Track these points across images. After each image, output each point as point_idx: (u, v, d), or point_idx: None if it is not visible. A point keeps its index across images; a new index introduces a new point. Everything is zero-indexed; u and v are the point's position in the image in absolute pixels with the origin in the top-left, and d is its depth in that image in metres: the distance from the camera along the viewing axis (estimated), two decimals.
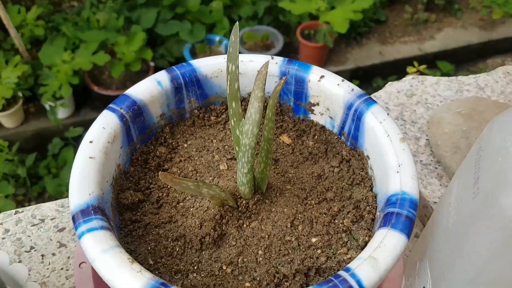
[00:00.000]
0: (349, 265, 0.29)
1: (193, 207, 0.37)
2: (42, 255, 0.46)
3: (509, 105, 0.52)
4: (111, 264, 0.28)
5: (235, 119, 0.35)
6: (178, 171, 0.39)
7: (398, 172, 0.34)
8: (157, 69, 1.79)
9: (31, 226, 0.48)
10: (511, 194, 0.22)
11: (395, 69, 2.02)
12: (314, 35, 1.91)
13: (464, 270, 0.29)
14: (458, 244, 0.30)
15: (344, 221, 0.36)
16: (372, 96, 0.60)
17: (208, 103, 0.43)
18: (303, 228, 0.36)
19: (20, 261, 0.45)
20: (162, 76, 0.39)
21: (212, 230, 0.35)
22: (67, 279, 0.45)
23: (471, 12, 2.35)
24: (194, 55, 1.79)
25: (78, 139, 1.65)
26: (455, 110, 0.54)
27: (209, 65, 0.41)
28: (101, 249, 0.29)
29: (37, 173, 1.62)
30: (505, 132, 0.26)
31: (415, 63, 1.68)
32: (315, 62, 1.93)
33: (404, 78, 0.62)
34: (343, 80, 0.39)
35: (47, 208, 0.50)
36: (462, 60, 2.16)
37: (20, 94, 1.69)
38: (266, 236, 0.35)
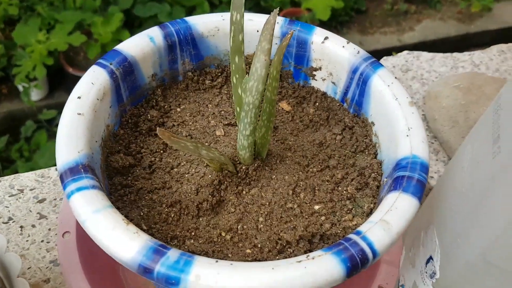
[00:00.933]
0: (359, 228, 0.28)
1: (189, 173, 0.35)
2: (21, 227, 0.43)
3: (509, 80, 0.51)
4: (104, 225, 0.26)
5: (237, 75, 0.32)
6: None
7: (408, 136, 0.32)
8: None
9: (9, 196, 0.45)
10: None
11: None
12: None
13: (480, 237, 0.28)
14: (474, 210, 0.29)
15: (348, 188, 0.34)
16: None
17: (203, 65, 0.40)
18: (305, 195, 0.34)
19: None
20: (155, 32, 0.37)
21: (209, 196, 0.33)
22: (48, 251, 0.42)
23: (450, 4, 2.37)
24: None
25: (51, 122, 1.60)
26: (452, 84, 0.53)
27: (206, 23, 0.38)
28: (92, 209, 0.26)
29: (9, 157, 1.56)
30: None
31: (394, 54, 1.68)
32: None
33: (399, 54, 0.60)
34: (348, 42, 0.38)
35: (26, 178, 0.47)
36: (440, 52, 2.18)
37: None
38: (267, 203, 0.33)
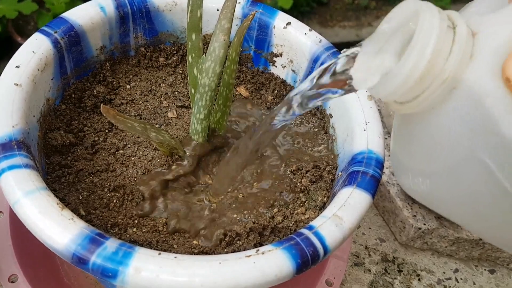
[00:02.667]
0: (312, 223, 0.27)
1: (135, 155, 0.32)
2: None
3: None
4: (36, 209, 0.24)
5: (193, 54, 0.30)
6: None
7: (365, 130, 0.32)
8: None
9: None
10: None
11: None
12: None
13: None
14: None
15: (302, 180, 0.33)
16: None
17: (157, 41, 0.38)
18: (258, 186, 0.33)
19: None
20: (106, 1, 0.34)
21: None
22: None
23: None
24: None
25: None
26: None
27: None
28: (24, 191, 0.24)
29: None
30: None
31: None
32: None
33: (360, 42, 0.60)
34: (310, 30, 0.36)
35: None
36: None
37: None
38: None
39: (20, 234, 0.35)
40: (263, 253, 0.24)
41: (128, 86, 0.36)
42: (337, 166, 0.34)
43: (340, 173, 0.32)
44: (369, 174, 0.29)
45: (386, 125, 0.52)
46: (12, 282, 0.33)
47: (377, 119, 0.32)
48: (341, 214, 0.27)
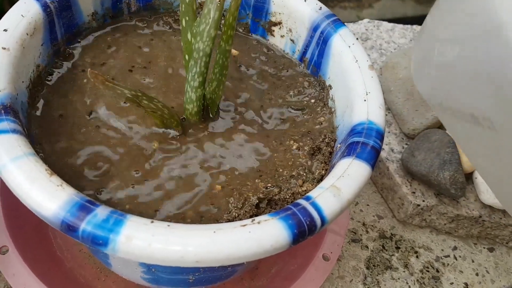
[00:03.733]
0: (309, 194, 0.26)
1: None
2: None
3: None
4: (23, 175, 0.23)
5: (187, 18, 0.29)
6: None
7: (365, 100, 0.31)
8: None
9: None
10: None
11: None
12: None
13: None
14: None
15: (299, 153, 0.32)
16: None
17: (150, 7, 0.37)
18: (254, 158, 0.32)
19: None
20: None
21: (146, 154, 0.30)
22: None
23: None
24: None
25: None
26: (411, 56, 0.52)
27: None
28: (11, 156, 0.23)
29: None
30: None
31: None
32: None
33: (360, 21, 0.58)
34: None
35: None
36: None
37: None
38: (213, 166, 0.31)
39: (11, 204, 0.34)
40: (259, 223, 0.23)
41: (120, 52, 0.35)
42: (336, 138, 0.33)
43: (339, 145, 0.31)
44: (370, 145, 0.28)
45: (387, 101, 0.51)
46: (3, 253, 0.32)
47: (379, 90, 0.31)
48: (339, 184, 0.26)
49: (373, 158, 0.28)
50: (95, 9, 0.34)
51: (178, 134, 0.31)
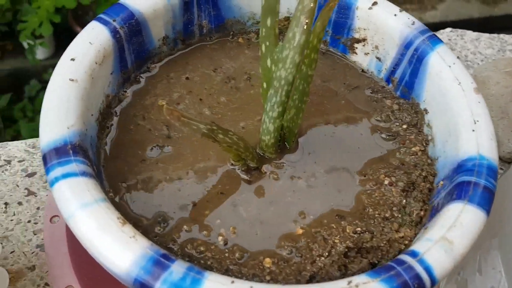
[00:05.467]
0: (415, 248, 0.22)
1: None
2: (6, 204, 0.38)
3: None
4: (93, 224, 0.20)
5: (268, 43, 0.26)
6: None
7: (473, 130, 0.26)
8: None
9: None
10: None
11: None
12: None
13: None
14: None
15: (392, 189, 0.28)
16: None
17: (223, 29, 0.34)
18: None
19: None
20: None
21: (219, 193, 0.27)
22: (34, 234, 0.36)
23: None
24: None
25: None
26: (503, 69, 0.46)
27: None
28: (80, 203, 0.21)
29: (11, 116, 1.51)
30: None
31: None
32: None
33: (442, 30, 0.53)
34: (401, 11, 0.31)
35: (15, 147, 0.42)
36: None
37: None
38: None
39: (78, 241, 0.32)
40: (357, 286, 0.20)
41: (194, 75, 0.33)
42: (435, 173, 0.28)
43: (441, 182, 0.27)
44: (482, 186, 0.24)
45: None
46: None
47: (488, 117, 0.27)
48: (451, 236, 0.22)
49: (488, 202, 0.24)
50: (166, 33, 0.31)
51: (253, 167, 0.28)
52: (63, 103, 0.24)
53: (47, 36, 1.52)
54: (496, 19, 2.12)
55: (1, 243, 0.36)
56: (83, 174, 0.22)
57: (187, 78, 0.32)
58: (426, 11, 2.17)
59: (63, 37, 1.67)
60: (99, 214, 0.21)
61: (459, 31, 0.54)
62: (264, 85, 0.28)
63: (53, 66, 0.26)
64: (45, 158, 0.22)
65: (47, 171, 0.22)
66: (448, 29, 0.53)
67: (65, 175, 0.22)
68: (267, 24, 0.25)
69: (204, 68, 0.33)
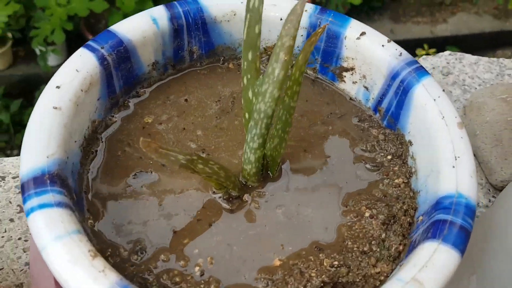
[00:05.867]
0: None
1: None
2: None
3: None
4: (65, 257, 0.21)
5: (249, 75, 0.26)
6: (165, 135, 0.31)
7: (454, 167, 0.26)
8: None
9: None
10: None
11: (405, 49, 1.93)
12: (325, 3, 1.80)
13: None
14: None
15: (372, 222, 0.28)
16: None
17: (213, 54, 0.34)
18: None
19: None
20: (160, 12, 0.31)
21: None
22: (24, 251, 0.37)
23: None
24: None
25: None
26: (499, 95, 0.46)
27: (220, 5, 0.32)
28: (53, 235, 0.21)
29: (21, 121, 1.53)
30: None
31: (426, 46, 1.60)
32: None
33: (440, 53, 0.53)
34: (389, 41, 0.31)
35: (10, 164, 0.42)
36: (472, 47, 2.08)
37: (9, 35, 1.58)
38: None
39: None
40: None
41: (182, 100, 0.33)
42: (416, 206, 0.28)
43: (420, 217, 0.27)
44: (458, 225, 0.24)
45: (471, 146, 0.45)
46: None
47: (470, 154, 0.27)
48: (422, 278, 0.22)
49: (463, 242, 0.24)
50: (156, 59, 0.32)
51: (235, 196, 0.29)
52: (45, 132, 0.24)
53: (59, 43, 1.54)
54: (508, 33, 2.10)
55: None
56: (58, 204, 0.22)
57: (177, 102, 0.32)
58: (437, 24, 2.17)
59: (75, 44, 1.69)
60: (71, 246, 0.21)
61: (458, 54, 0.53)
62: (246, 115, 0.28)
63: None
64: (23, 187, 0.23)
65: (24, 201, 0.22)
66: (447, 52, 0.53)
67: (41, 206, 0.22)
68: (248, 58, 0.26)
69: (195, 92, 0.33)
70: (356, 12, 2.02)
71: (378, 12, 2.10)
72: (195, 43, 0.33)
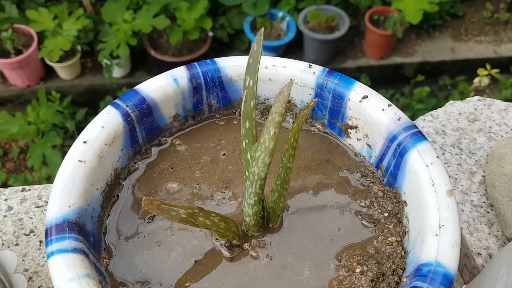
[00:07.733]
0: None
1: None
2: (41, 241, 0.43)
3: None
4: None
5: (247, 141, 0.29)
6: (178, 183, 0.34)
7: (437, 235, 0.28)
8: (215, 40, 1.76)
9: (35, 207, 0.45)
10: None
11: (466, 69, 1.88)
12: (383, 22, 1.79)
13: None
14: None
15: (362, 278, 0.30)
16: (429, 115, 0.52)
17: (231, 107, 0.37)
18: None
19: (17, 244, 0.43)
20: (180, 73, 0.34)
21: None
22: None
23: None
24: (254, 29, 1.73)
25: None
26: None
27: (236, 66, 0.35)
28: (67, 278, 0.25)
29: None
30: None
31: (488, 66, 1.55)
32: (380, 50, 1.82)
33: (468, 99, 0.53)
34: (389, 105, 0.33)
35: None
36: None
37: (78, 47, 1.71)
38: None
39: None
40: None
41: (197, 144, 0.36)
42: (405, 266, 0.30)
43: (404, 279, 0.29)
44: None
45: (490, 197, 0.45)
46: None
47: (455, 222, 0.28)
48: None
49: None
50: (176, 112, 0.35)
51: (235, 244, 0.31)
52: (68, 184, 0.29)
53: (123, 57, 1.64)
54: None
55: (31, 277, 0.41)
56: (73, 250, 0.26)
57: (193, 151, 0.36)
58: (502, 44, 2.08)
59: (138, 57, 1.79)
60: None
61: (487, 100, 0.53)
62: (246, 173, 0.31)
63: (127, 85, 0.30)
64: (46, 233, 0.27)
65: (46, 245, 0.26)
66: (476, 98, 0.53)
67: (60, 251, 0.26)
68: (246, 126, 0.29)
69: (211, 142, 0.37)
70: (415, 29, 1.98)
71: (438, 30, 2.05)
72: (213, 98, 0.36)
